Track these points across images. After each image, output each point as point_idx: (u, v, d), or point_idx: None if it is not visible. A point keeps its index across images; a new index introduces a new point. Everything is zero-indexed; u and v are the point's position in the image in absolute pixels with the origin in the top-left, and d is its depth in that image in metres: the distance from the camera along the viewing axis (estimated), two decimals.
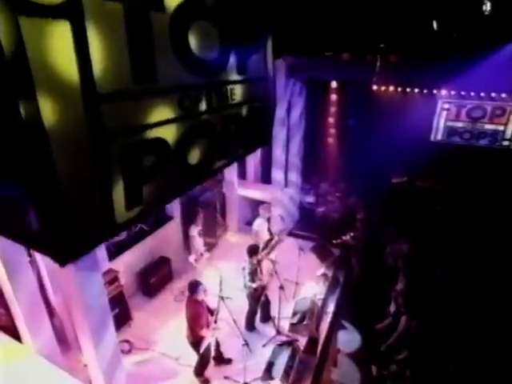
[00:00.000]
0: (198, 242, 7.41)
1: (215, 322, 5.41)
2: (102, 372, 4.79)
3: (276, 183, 10.10)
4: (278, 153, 9.86)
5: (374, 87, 9.79)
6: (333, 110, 11.24)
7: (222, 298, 5.47)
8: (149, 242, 7.68)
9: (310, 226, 10.50)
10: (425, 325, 6.89)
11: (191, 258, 7.34)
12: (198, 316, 5.42)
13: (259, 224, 7.64)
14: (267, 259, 6.82)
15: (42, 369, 4.56)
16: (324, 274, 7.87)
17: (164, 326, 6.84)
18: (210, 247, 8.21)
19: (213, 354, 5.87)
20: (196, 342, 5.54)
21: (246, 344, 5.31)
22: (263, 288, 6.75)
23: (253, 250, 6.53)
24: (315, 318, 6.73)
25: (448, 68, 7.47)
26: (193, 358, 5.70)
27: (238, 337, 5.37)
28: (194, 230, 7.35)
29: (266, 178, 10.63)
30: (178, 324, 5.97)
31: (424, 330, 6.87)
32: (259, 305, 6.74)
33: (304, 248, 7.73)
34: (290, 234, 9.99)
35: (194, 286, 5.43)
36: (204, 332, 5.40)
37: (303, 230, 10.03)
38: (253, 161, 10.65)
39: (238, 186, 9.90)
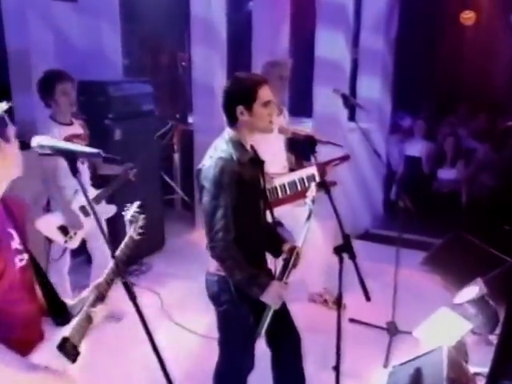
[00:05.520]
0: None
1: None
2: None
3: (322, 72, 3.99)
4: None
5: None
6: None
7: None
8: None
9: (419, 217, 3.47)
10: None
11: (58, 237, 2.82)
12: None
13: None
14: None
15: None
16: (475, 302, 2.73)
17: None
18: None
19: None
20: None
21: None
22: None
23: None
24: None
25: None
26: None
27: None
28: None
29: (298, 108, 4.92)
30: None
31: None
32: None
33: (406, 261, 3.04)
34: (367, 235, 4.69)
35: None
36: None
37: (400, 229, 2.97)
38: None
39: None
